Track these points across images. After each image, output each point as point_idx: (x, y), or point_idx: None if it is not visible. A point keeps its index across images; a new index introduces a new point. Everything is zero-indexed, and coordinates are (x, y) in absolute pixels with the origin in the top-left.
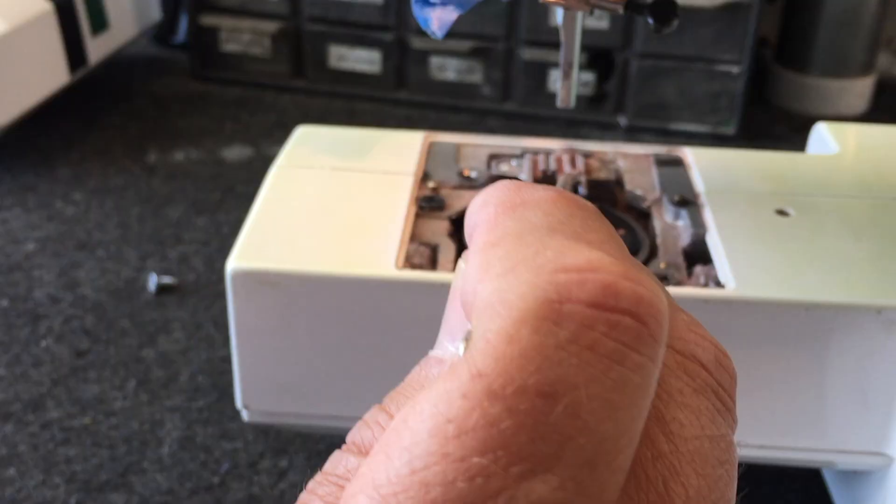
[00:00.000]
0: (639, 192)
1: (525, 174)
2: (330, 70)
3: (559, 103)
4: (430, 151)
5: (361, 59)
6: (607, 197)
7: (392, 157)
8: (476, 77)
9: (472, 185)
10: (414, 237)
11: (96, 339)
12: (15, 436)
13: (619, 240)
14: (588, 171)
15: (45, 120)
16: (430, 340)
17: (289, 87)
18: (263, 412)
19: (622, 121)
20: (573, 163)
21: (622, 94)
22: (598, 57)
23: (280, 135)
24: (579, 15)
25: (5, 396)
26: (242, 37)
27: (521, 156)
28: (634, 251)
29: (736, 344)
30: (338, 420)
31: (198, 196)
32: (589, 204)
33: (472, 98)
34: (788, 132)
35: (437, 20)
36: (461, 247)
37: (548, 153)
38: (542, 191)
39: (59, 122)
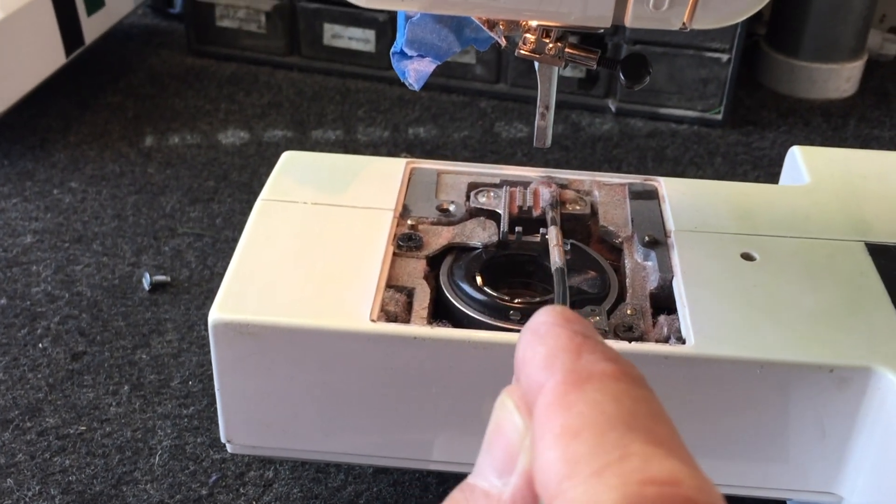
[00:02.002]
0: (612, 228)
1: (503, 209)
2: (324, 47)
3: (535, 143)
4: (411, 180)
5: (356, 38)
6: (581, 231)
7: (373, 188)
8: (469, 58)
9: (450, 220)
10: (391, 280)
11: (92, 340)
12: (13, 444)
13: (670, 422)
14: (563, 202)
15: (41, 100)
16: (400, 387)
17: (283, 63)
18: (246, 446)
19: (612, 105)
20: (552, 193)
21: (612, 78)
22: (589, 39)
23: (274, 117)
24: (554, 67)
25: (4, 402)
26: (238, 13)
27: (499, 186)
28: (603, 295)
29: (695, 396)
30: (318, 454)
31: (192, 184)
32: (642, 379)
33: (465, 78)
34: (776, 118)
35: (414, 72)
36: (436, 290)
37: (526, 184)
38: (604, 363)
39: (56, 100)
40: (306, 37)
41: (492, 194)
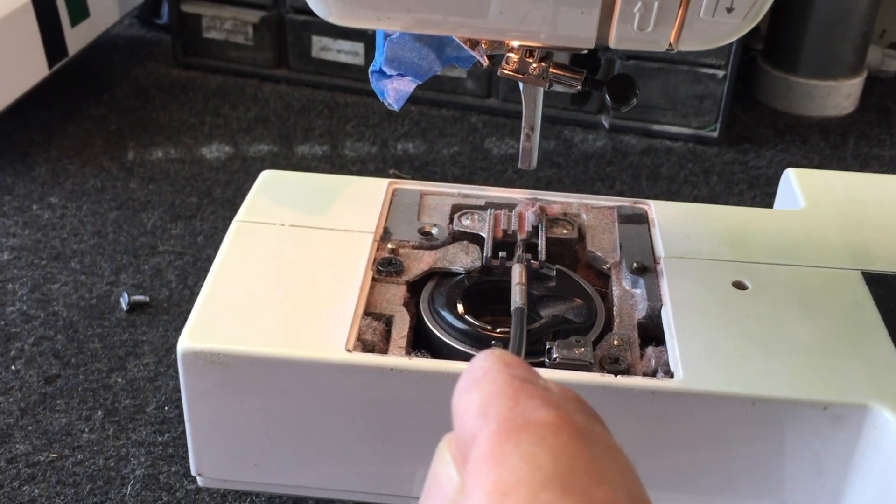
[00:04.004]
0: (599, 253)
1: (487, 231)
2: (313, 60)
3: (521, 164)
4: (393, 202)
5: (345, 50)
6: (568, 255)
7: (354, 210)
8: (459, 71)
9: (432, 244)
10: (370, 306)
11: (66, 362)
12: None
13: (628, 474)
14: (550, 225)
15: (23, 112)
16: (378, 419)
17: (271, 76)
18: (217, 479)
19: (605, 121)
20: (537, 216)
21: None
22: (582, 55)
23: (259, 131)
24: (540, 88)
25: None
26: (225, 24)
27: (484, 208)
28: (590, 325)
29: (683, 432)
30: (292, 489)
31: (175, 200)
32: (589, 427)
33: (455, 93)
34: (773, 135)
35: (394, 91)
36: (416, 317)
37: (512, 206)
38: (543, 409)
39: (38, 112)
40: (294, 49)
41: (476, 217)
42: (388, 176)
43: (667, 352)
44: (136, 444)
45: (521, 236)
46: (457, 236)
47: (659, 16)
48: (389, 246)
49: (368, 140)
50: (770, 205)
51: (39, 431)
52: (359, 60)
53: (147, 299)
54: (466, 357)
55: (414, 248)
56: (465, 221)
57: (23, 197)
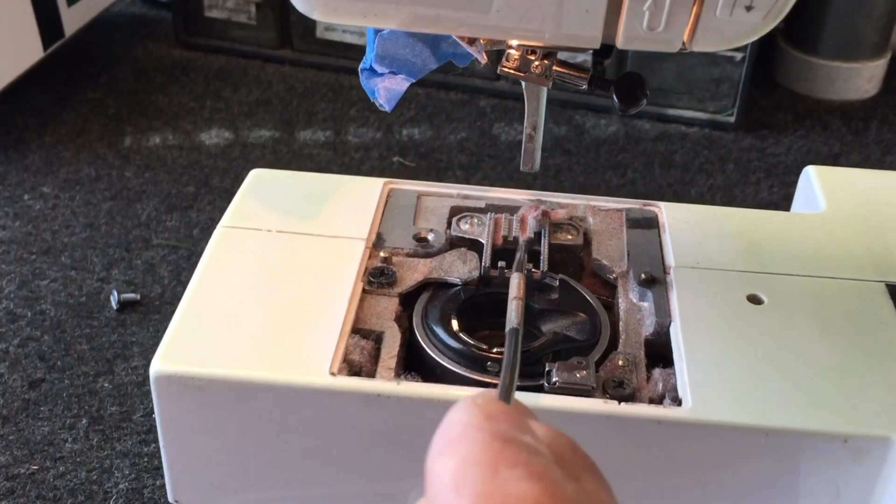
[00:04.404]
0: (605, 261)
1: (486, 237)
2: (317, 40)
3: (522, 166)
4: (388, 204)
5: (350, 30)
6: (573, 263)
7: (346, 213)
8: None
9: (428, 251)
10: (359, 322)
11: (52, 366)
12: None
13: None
14: (553, 231)
15: (18, 95)
16: (364, 447)
17: (274, 57)
18: None
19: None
20: (539, 221)
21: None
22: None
23: (261, 116)
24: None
25: None
26: (227, 2)
27: (484, 211)
28: (593, 342)
29: (693, 464)
30: None
31: (171, 189)
32: (585, 486)
33: (464, 75)
34: (792, 120)
35: (385, 91)
36: (408, 333)
37: (514, 209)
38: (525, 481)
39: (33, 96)
40: (298, 29)
41: (475, 221)
42: (392, 164)
43: (675, 375)
44: (120, 456)
45: (522, 238)
46: (454, 242)
47: (671, 14)
48: (382, 254)
49: (373, 125)
50: (788, 195)
51: (21, 441)
52: (364, 41)
53: (138, 297)
54: (461, 380)
55: (408, 255)
56: (464, 226)
57: (14, 186)
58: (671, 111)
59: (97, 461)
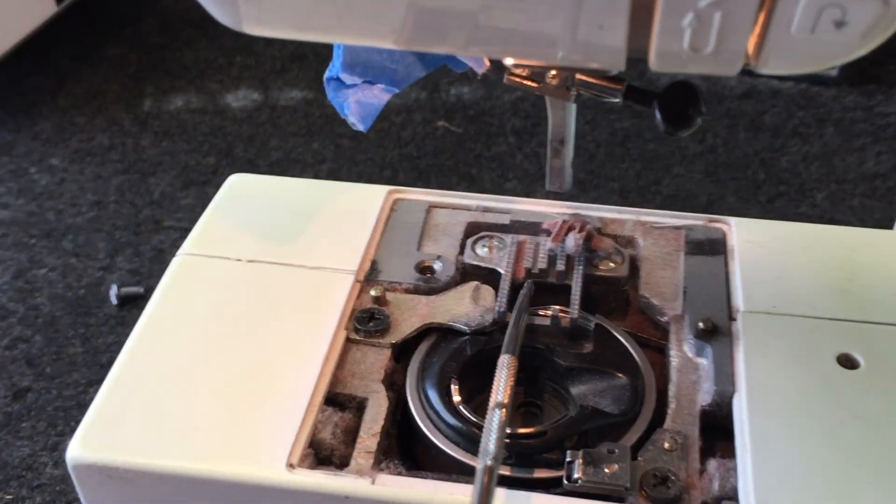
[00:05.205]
0: (656, 301)
1: (505, 267)
2: None
3: (548, 185)
4: (391, 220)
5: None
6: (615, 298)
7: (335, 235)
8: None
9: (432, 286)
10: (337, 384)
11: (40, 372)
12: None
13: None
14: (591, 259)
15: (35, 52)
16: None
17: None
18: None
19: None
20: (579, 245)
21: None
22: None
23: (294, 73)
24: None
25: None
26: None
27: (508, 227)
28: (632, 416)
29: None
30: None
31: (189, 161)
32: None
33: None
34: None
35: (357, 106)
36: (399, 397)
37: (545, 232)
38: None
39: (49, 53)
40: None
41: (495, 244)
42: (436, 129)
43: (736, 471)
44: None
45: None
46: (467, 272)
47: (723, 33)
48: (373, 293)
49: (418, 83)
50: None
51: None
52: None
53: (141, 290)
54: (460, 468)
55: (407, 291)
56: (481, 250)
57: (22, 157)
58: None
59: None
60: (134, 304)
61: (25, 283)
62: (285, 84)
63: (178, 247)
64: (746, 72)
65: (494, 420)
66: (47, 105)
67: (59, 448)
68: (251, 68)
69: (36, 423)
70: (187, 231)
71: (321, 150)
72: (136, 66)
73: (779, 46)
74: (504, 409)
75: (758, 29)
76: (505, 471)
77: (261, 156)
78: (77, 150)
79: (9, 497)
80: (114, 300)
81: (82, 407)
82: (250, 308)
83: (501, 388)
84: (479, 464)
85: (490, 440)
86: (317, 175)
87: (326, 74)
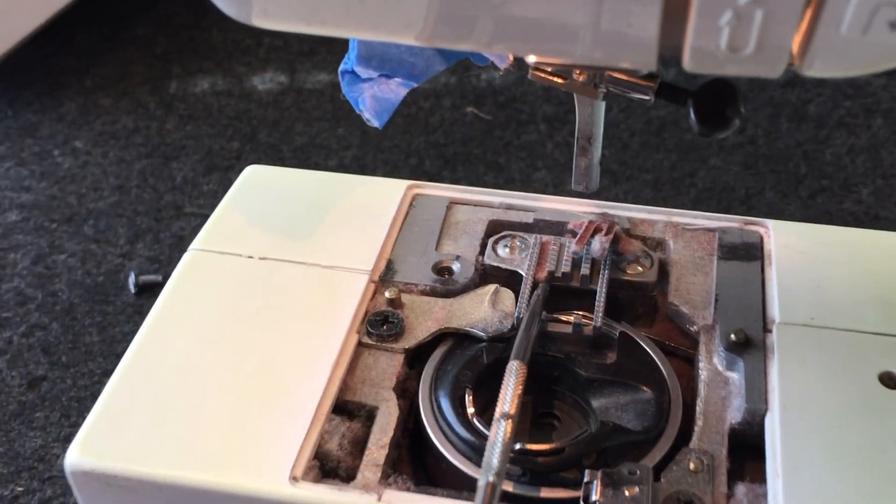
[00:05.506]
0: (685, 309)
1: (527, 269)
2: None
3: (574, 185)
4: (409, 217)
5: None
6: (642, 304)
7: (351, 231)
8: None
9: (449, 288)
10: (347, 392)
11: (55, 361)
12: None
13: None
14: (618, 262)
15: (61, 31)
16: None
17: None
18: None
19: None
20: (605, 248)
21: None
22: None
23: (323, 55)
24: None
25: None
26: None
27: (531, 227)
28: (655, 434)
29: None
30: None
31: (213, 145)
32: None
33: None
34: None
35: (372, 101)
36: (412, 406)
37: (570, 232)
38: None
39: (78, 33)
40: None
41: (517, 244)
42: (465, 115)
43: (766, 498)
44: None
45: (540, 286)
46: (487, 273)
47: (765, 32)
48: (387, 294)
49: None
50: None
51: (10, 455)
52: None
53: (160, 278)
54: (473, 484)
55: (423, 293)
56: (502, 251)
57: (46, 140)
58: None
59: None
60: (152, 293)
61: (45, 269)
62: (313, 67)
63: (197, 234)
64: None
65: (499, 432)
66: (73, 87)
67: (71, 439)
68: (279, 50)
69: (49, 414)
70: (207, 218)
71: (346, 135)
72: (164, 46)
73: (827, 47)
74: (510, 421)
75: (804, 28)
76: (517, 490)
77: (285, 141)
78: (101, 133)
79: (20, 489)
80: (132, 288)
81: (97, 398)
82: (259, 308)
83: (508, 397)
84: (481, 480)
85: (494, 454)
86: (341, 162)
87: (341, 67)
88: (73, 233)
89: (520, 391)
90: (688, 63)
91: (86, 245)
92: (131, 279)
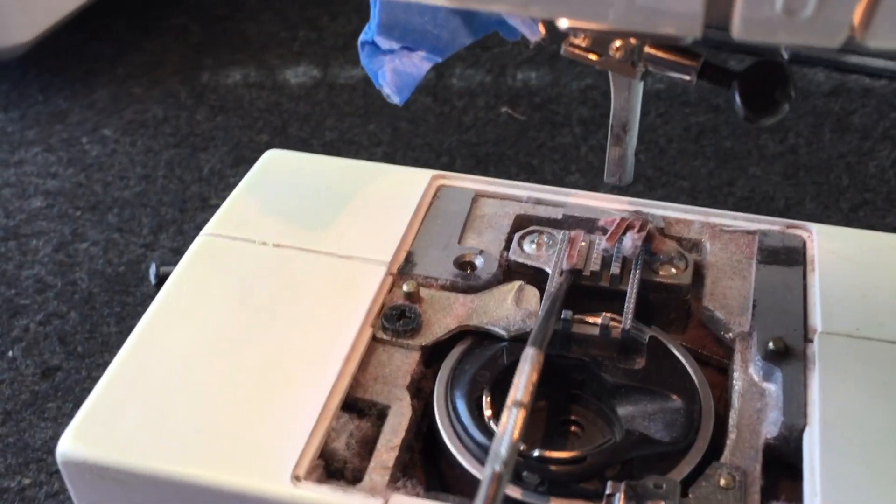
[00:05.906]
0: (720, 314)
1: (553, 267)
2: None
3: (607, 177)
4: (432, 208)
5: None
6: (675, 307)
7: (370, 221)
8: None
9: (471, 284)
10: (356, 390)
11: (71, 351)
12: None
13: None
14: (650, 263)
15: (97, 17)
16: None
17: None
18: None
19: (783, 48)
20: (637, 246)
21: None
22: None
23: (356, 51)
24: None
25: None
26: None
27: (560, 222)
28: (685, 445)
29: None
30: None
31: (242, 137)
32: None
33: None
34: None
35: (393, 74)
36: (426, 406)
37: (601, 230)
38: None
39: (114, 20)
40: None
41: (544, 240)
42: (499, 115)
43: None
44: None
45: (557, 280)
46: (512, 270)
47: None
48: (405, 288)
49: (483, 66)
50: None
51: (19, 445)
52: None
53: None
54: None
55: (443, 288)
56: (528, 247)
57: (75, 126)
58: (852, 58)
59: None
60: None
61: (66, 257)
62: (346, 61)
63: None
64: (836, 66)
65: (510, 421)
66: (106, 74)
67: None
68: (313, 43)
69: (62, 405)
70: None
71: (377, 132)
72: (199, 36)
73: (894, 14)
74: (523, 409)
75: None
76: (534, 500)
77: (315, 135)
78: (131, 122)
79: (27, 481)
80: (152, 279)
81: None
82: (270, 298)
83: (522, 385)
84: (486, 469)
85: (503, 443)
86: (371, 158)
87: (361, 38)
88: (97, 221)
89: (535, 379)
90: (737, 29)
91: (108, 234)
92: (152, 270)
